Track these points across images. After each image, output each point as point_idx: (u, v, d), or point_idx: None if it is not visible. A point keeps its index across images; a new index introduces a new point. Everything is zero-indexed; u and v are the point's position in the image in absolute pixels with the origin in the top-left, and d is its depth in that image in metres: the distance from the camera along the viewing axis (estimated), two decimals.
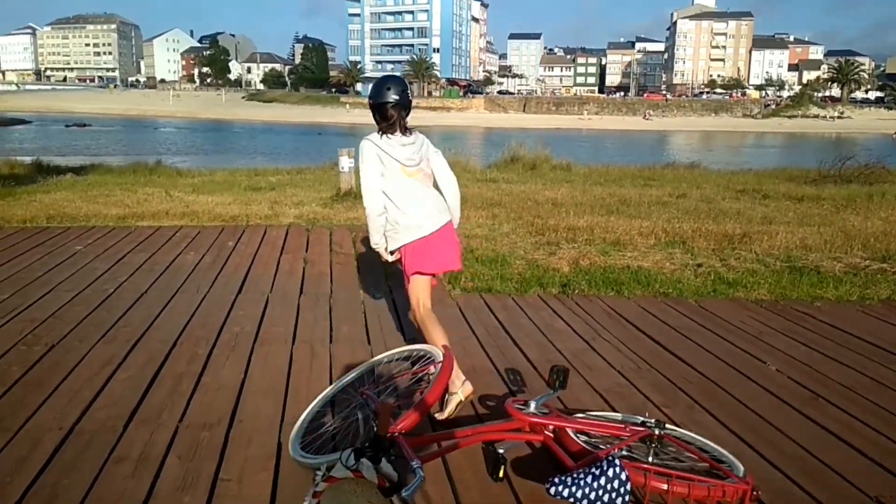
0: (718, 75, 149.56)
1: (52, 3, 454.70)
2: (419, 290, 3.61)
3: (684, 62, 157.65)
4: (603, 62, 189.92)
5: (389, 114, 3.50)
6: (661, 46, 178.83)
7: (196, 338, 4.55)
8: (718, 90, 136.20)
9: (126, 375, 3.87)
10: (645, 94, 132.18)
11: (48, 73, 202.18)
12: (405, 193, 3.50)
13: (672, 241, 7.94)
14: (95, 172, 16.93)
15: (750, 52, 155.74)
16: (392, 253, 3.63)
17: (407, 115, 3.57)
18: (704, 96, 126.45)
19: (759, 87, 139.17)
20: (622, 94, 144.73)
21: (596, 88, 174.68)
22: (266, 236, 7.95)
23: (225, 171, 18.71)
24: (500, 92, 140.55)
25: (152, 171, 16.93)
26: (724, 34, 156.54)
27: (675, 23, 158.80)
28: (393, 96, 3.49)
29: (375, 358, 3.65)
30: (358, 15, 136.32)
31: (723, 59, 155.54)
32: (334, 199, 11.68)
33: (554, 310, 5.51)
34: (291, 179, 15.85)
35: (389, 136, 3.52)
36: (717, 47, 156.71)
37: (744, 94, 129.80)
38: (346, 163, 11.99)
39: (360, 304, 5.54)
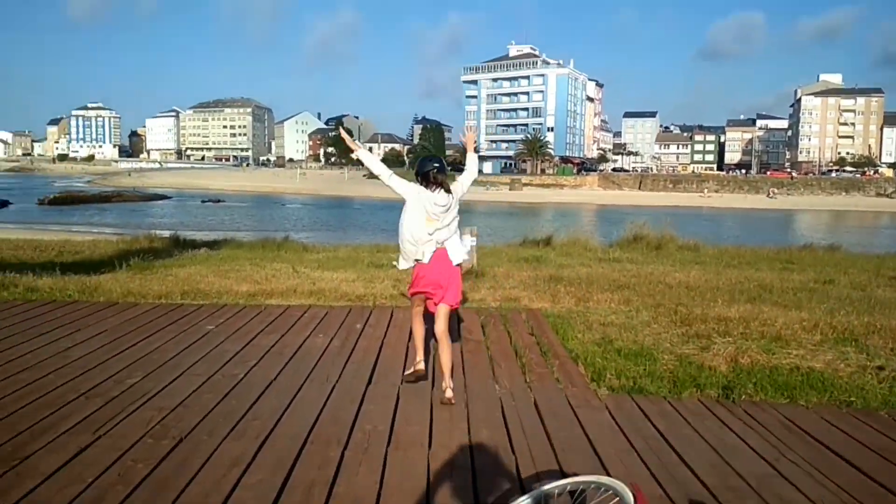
0: (847, 153, 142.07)
1: (195, 89, 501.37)
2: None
3: (809, 139, 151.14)
4: (722, 139, 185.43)
5: (433, 177, 4.94)
6: (783, 123, 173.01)
7: (327, 436, 4.21)
8: (848, 168, 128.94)
9: (255, 479, 3.55)
10: (768, 172, 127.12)
11: (188, 152, 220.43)
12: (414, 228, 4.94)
13: (842, 338, 7.01)
14: (227, 247, 17.65)
15: (881, 129, 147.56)
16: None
17: (444, 177, 4.97)
18: (833, 174, 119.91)
19: (892, 165, 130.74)
20: (743, 171, 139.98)
21: (714, 166, 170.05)
22: (393, 319, 7.68)
23: (348, 247, 19.06)
24: (614, 169, 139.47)
25: (280, 247, 17.44)
26: (853, 111, 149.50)
27: (800, 99, 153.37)
28: (435, 164, 5.00)
29: (542, 488, 3.12)
30: (475, 97, 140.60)
31: (851, 136, 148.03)
32: None
33: (720, 419, 4.81)
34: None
35: (431, 190, 4.90)
36: (846, 124, 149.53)
37: (876, 171, 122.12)
38: (468, 241, 11.74)
39: (497, 400, 5.07)
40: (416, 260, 4.98)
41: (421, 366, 5.30)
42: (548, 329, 7.23)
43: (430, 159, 5.03)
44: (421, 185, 4.90)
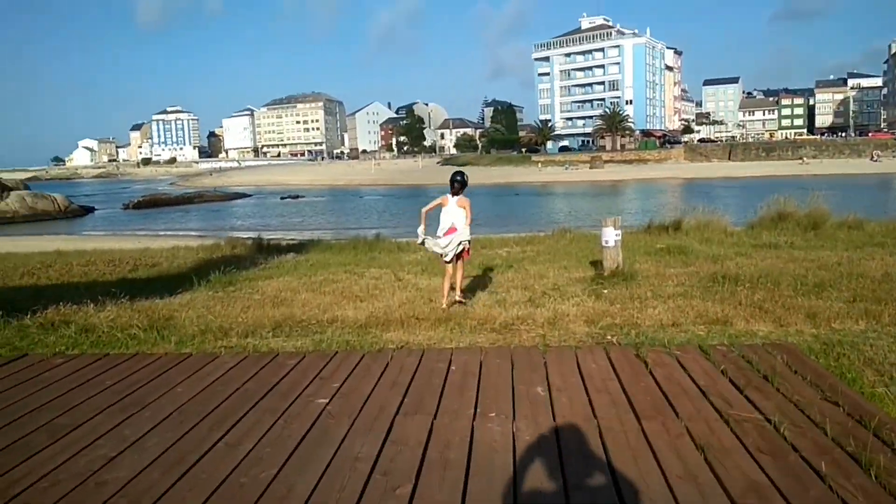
0: None
1: (268, 86, 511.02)
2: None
3: None
4: (811, 102, 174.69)
5: (454, 188, 7.68)
6: (878, 81, 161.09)
7: None
8: None
9: None
10: (869, 134, 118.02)
11: (264, 149, 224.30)
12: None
13: None
14: (315, 249, 15.96)
15: None
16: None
17: (462, 188, 7.69)
18: None
19: None
20: (842, 134, 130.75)
21: (804, 130, 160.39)
22: (582, 364, 5.09)
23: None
24: (700, 140, 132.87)
25: (372, 247, 15.64)
26: None
27: (895, 54, 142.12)
28: (459, 178, 7.80)
29: None
30: (548, 74, 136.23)
31: None
32: (597, 281, 9.18)
33: None
34: (524, 252, 13.68)
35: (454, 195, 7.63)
36: None
37: None
38: (611, 235, 9.49)
39: None
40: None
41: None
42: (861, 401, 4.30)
43: (456, 174, 7.90)
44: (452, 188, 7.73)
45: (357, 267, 12.18)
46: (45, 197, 51.24)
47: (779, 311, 6.37)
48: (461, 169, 8.94)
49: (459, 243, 7.53)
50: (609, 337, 5.60)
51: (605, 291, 8.51)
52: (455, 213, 7.53)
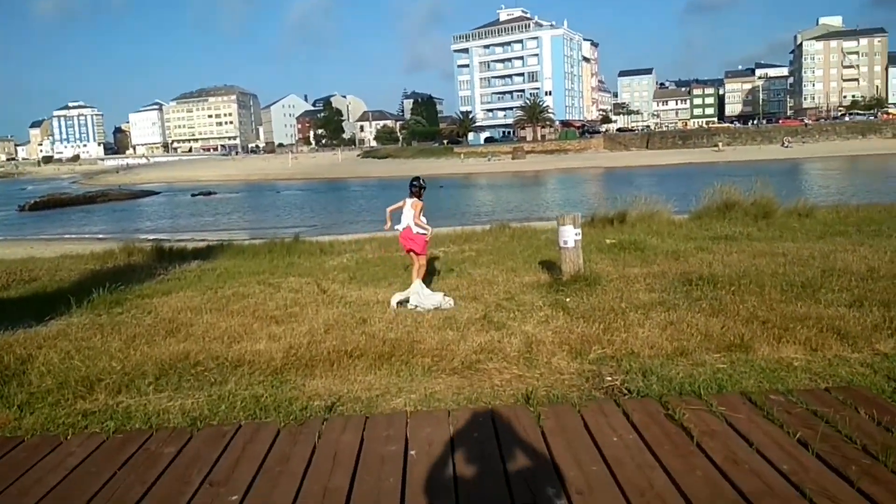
0: (853, 96, 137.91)
1: (177, 80, 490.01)
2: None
3: (813, 85, 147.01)
4: (721, 92, 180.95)
5: (413, 191, 8.59)
6: (783, 71, 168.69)
7: None
8: (859, 111, 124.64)
9: None
10: (780, 121, 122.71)
11: (174, 144, 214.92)
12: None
13: None
14: (225, 255, 14.10)
15: (886, 70, 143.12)
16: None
17: (420, 191, 8.67)
18: (847, 118, 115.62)
19: None
20: (754, 122, 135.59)
21: (715, 119, 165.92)
22: (597, 436, 3.73)
23: (373, 240, 15.51)
24: (618, 130, 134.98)
25: (291, 250, 13.94)
26: (856, 52, 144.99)
27: (801, 45, 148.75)
28: (415, 183, 8.69)
29: None
30: (467, 66, 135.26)
31: (856, 79, 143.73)
32: (556, 287, 7.92)
33: None
34: (463, 252, 12.33)
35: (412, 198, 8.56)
36: (850, 66, 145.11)
37: (887, 113, 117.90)
38: (570, 235, 8.22)
39: None
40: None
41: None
42: None
43: (415, 178, 8.91)
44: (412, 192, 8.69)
45: (273, 276, 10.51)
46: None
47: (804, 332, 5.13)
48: (419, 175, 9.21)
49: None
50: (609, 378, 4.25)
51: (569, 300, 7.24)
52: (407, 213, 8.57)
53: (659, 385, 4.06)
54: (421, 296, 7.55)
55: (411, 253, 8.70)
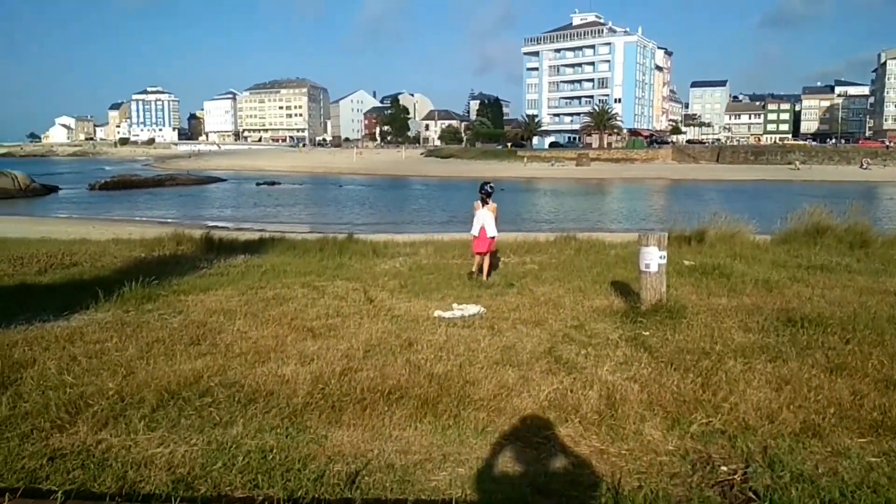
0: None
1: (251, 70, 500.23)
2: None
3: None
4: (797, 108, 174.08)
5: (482, 195, 9.68)
6: (864, 90, 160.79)
7: None
8: None
9: None
10: (859, 141, 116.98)
11: (245, 133, 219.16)
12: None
13: None
14: (275, 250, 13.47)
15: None
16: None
17: (489, 197, 9.71)
18: None
19: None
20: (831, 141, 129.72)
21: (789, 136, 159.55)
22: None
23: (428, 244, 14.68)
24: (688, 141, 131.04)
25: (342, 249, 13.20)
26: None
27: (884, 64, 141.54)
28: (486, 188, 9.77)
29: None
30: (536, 69, 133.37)
31: None
32: (633, 317, 6.88)
33: None
34: (525, 264, 11.32)
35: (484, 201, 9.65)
36: None
37: None
38: (654, 257, 7.17)
39: None
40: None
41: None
42: None
43: (485, 184, 9.99)
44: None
45: (320, 278, 9.74)
46: (3, 174, 47.91)
47: None
48: (488, 180, 10.37)
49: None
50: (725, 468, 3.21)
51: (647, 334, 6.21)
52: (485, 217, 9.63)
53: (796, 488, 2.99)
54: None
55: (479, 254, 9.72)
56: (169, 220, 30.94)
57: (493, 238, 9.63)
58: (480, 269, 9.65)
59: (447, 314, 7.16)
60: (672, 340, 5.88)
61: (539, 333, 6.23)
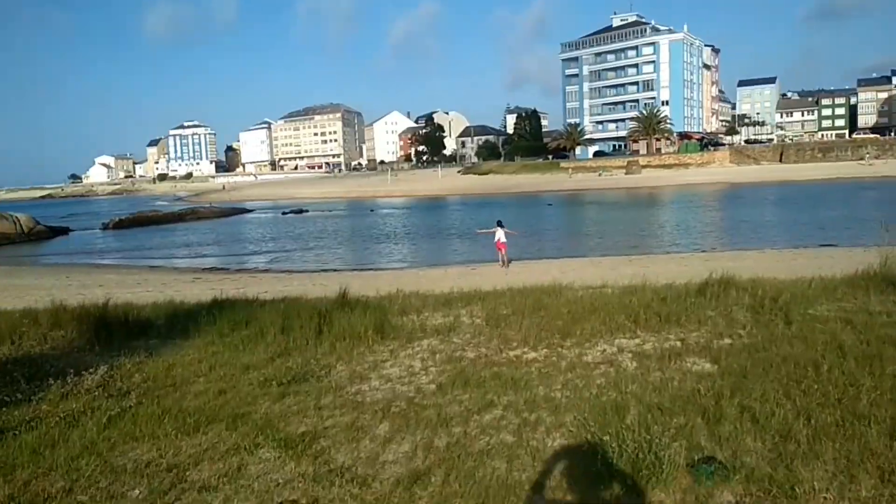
0: None
1: (285, 98, 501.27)
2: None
3: None
4: (852, 101, 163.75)
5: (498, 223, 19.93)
6: None
7: None
8: None
9: None
10: None
11: (282, 162, 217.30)
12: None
13: None
14: (213, 330, 7.96)
15: None
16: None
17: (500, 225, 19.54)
18: None
19: None
20: (891, 133, 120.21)
21: (846, 131, 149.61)
22: None
23: (473, 298, 9.04)
24: (746, 141, 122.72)
25: (329, 322, 7.65)
26: None
27: None
28: (500, 221, 20.23)
29: None
30: (576, 75, 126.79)
31: None
32: None
33: None
34: (594, 307, 5.60)
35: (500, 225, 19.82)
36: None
37: None
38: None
39: None
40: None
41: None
42: None
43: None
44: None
45: (225, 441, 4.22)
46: (4, 217, 44.02)
47: None
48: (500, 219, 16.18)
49: None
50: None
51: None
52: (500, 233, 18.87)
53: None
54: None
55: (500, 250, 18.97)
56: (160, 263, 26.11)
57: (505, 242, 18.88)
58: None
59: None
60: None
61: None
